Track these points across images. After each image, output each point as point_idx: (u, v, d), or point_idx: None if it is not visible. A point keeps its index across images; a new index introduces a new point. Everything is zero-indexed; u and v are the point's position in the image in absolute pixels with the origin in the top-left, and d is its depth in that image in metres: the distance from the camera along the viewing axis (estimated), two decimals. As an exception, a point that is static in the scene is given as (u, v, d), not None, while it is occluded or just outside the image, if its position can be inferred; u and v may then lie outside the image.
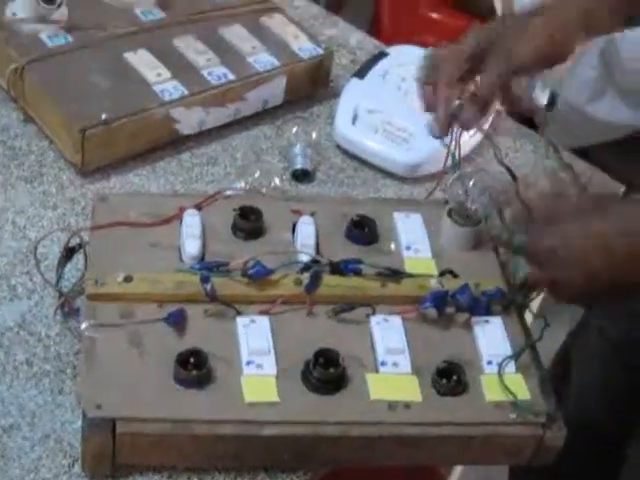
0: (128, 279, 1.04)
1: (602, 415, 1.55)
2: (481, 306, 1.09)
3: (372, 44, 1.62)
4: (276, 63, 1.40)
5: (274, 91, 1.40)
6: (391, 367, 1.03)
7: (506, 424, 1.01)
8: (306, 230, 1.14)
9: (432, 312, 1.07)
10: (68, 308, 1.09)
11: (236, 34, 1.43)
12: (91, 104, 1.25)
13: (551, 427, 1.01)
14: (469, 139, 1.37)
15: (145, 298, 1.04)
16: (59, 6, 1.35)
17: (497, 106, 1.45)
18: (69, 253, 1.11)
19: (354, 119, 1.39)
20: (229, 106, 1.35)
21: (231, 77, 1.35)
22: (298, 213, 1.16)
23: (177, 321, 1.02)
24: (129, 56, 1.34)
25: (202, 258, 1.09)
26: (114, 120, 1.24)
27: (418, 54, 1.45)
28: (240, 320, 1.04)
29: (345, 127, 1.39)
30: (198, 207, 1.14)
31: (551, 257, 1.00)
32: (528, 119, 1.64)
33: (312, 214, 1.16)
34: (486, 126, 1.39)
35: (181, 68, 1.34)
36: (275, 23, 1.47)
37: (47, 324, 1.09)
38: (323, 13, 1.67)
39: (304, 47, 1.44)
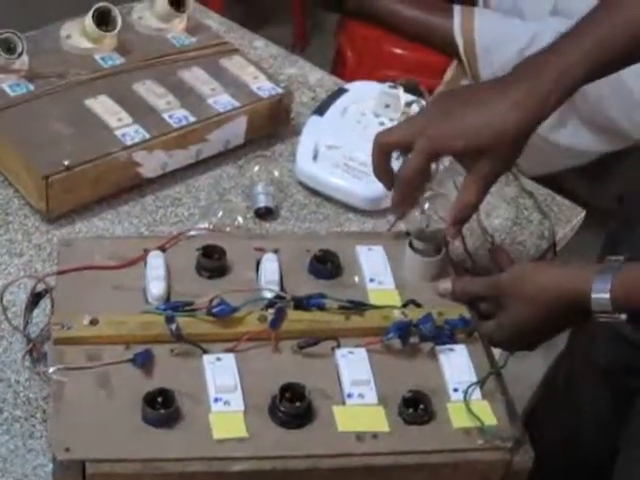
0: (94, 322, 1.05)
1: (591, 439, 1.55)
2: (445, 335, 1.10)
3: (332, 81, 1.64)
4: (236, 104, 1.42)
5: (235, 131, 1.42)
6: (357, 398, 1.04)
7: (474, 450, 1.02)
8: (270, 267, 1.15)
9: (396, 342, 1.08)
10: (37, 353, 1.10)
11: (195, 76, 1.45)
12: (54, 151, 1.27)
13: (518, 451, 1.02)
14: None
15: (111, 340, 1.05)
16: (19, 56, 1.36)
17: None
18: (36, 299, 1.12)
19: (315, 156, 1.41)
20: (191, 148, 1.37)
21: (192, 119, 1.37)
22: (261, 251, 1.18)
23: (144, 362, 1.03)
24: (90, 102, 1.36)
25: (167, 299, 1.10)
26: (77, 165, 1.26)
27: (376, 89, 1.49)
28: (206, 358, 1.05)
29: (306, 164, 1.41)
30: (162, 249, 1.15)
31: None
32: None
33: (275, 251, 1.18)
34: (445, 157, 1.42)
35: (142, 112, 1.36)
36: (234, 64, 1.49)
37: (16, 370, 1.10)
38: (282, 52, 1.70)
39: (263, 87, 1.46)
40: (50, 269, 1.20)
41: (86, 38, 1.45)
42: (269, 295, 1.11)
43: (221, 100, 1.42)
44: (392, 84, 1.48)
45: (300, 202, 1.39)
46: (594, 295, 1.00)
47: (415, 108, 1.46)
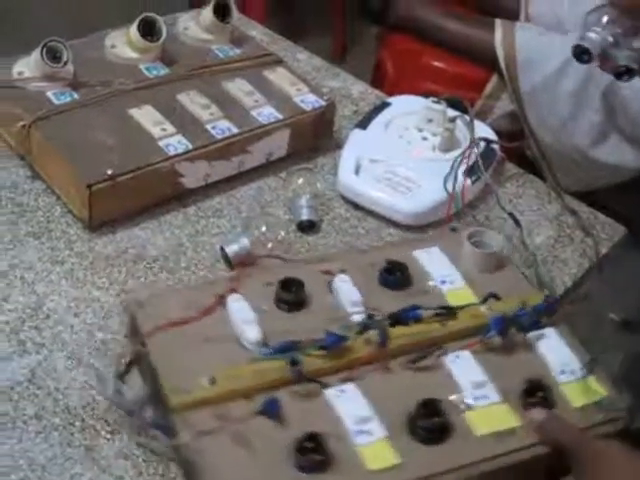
0: (212, 381, 1.03)
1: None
2: (534, 322, 1.14)
3: (374, 95, 1.64)
4: (279, 116, 1.41)
5: (278, 143, 1.41)
6: (482, 400, 1.06)
7: (598, 425, 1.06)
8: (346, 289, 1.15)
9: (496, 339, 1.11)
10: (141, 422, 1.05)
11: (239, 88, 1.45)
12: (97, 160, 1.27)
13: (634, 418, 1.07)
14: (471, 186, 1.39)
15: (232, 395, 1.03)
16: (65, 64, 1.37)
17: (498, 153, 1.47)
18: (127, 367, 1.10)
19: (357, 169, 1.40)
20: (233, 159, 1.37)
21: (235, 130, 1.37)
22: (329, 273, 1.18)
23: (274, 410, 1.02)
24: (134, 112, 1.36)
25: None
26: (120, 175, 1.26)
27: (420, 103, 1.49)
28: (329, 393, 1.04)
29: (348, 177, 1.40)
30: (233, 289, 1.14)
31: None
32: (530, 164, 1.66)
33: (342, 271, 1.18)
34: (487, 173, 1.41)
35: (185, 123, 1.36)
36: (278, 76, 1.49)
37: (56, 378, 1.10)
38: (325, 65, 1.70)
39: (307, 99, 1.46)
40: (91, 277, 1.21)
41: (131, 48, 1.46)
42: (360, 317, 1.11)
43: (264, 112, 1.42)
44: (436, 99, 1.48)
45: (342, 216, 1.39)
46: None
47: (458, 124, 1.45)
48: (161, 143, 1.32)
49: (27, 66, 1.38)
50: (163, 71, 1.46)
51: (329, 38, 3.42)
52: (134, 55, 1.46)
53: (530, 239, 1.38)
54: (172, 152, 1.31)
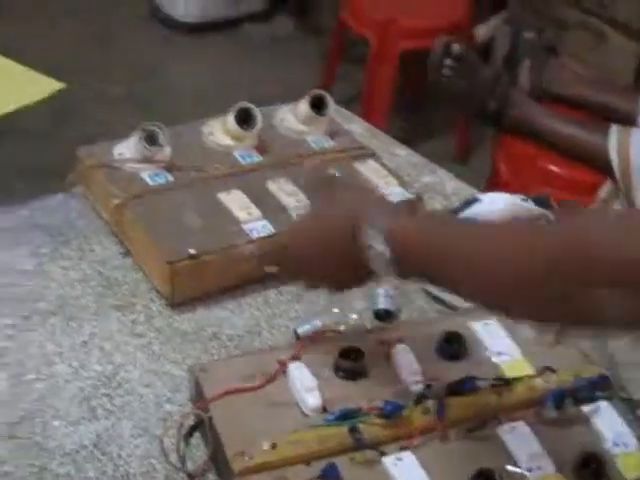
0: (274, 446, 1.06)
1: None
2: (588, 394, 1.16)
3: (468, 191, 1.66)
4: (365, 206, 1.44)
5: (362, 232, 1.44)
6: (536, 471, 1.08)
7: None
8: (405, 359, 1.18)
9: (552, 412, 1.13)
10: None
11: None
12: (181, 239, 1.33)
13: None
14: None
15: (293, 461, 1.06)
16: (161, 148, 1.43)
17: None
18: (191, 430, 1.14)
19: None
20: (317, 245, 1.40)
21: (319, 218, 1.40)
22: (388, 343, 1.21)
23: (332, 476, 1.04)
24: (223, 196, 1.42)
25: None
26: (202, 255, 1.31)
27: (507, 200, 1.50)
28: (386, 461, 1.07)
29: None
30: (295, 356, 1.18)
31: None
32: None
33: (401, 341, 1.20)
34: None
35: (272, 208, 1.41)
36: (368, 168, 1.53)
37: (120, 444, 1.14)
38: (422, 161, 1.72)
39: (394, 191, 1.49)
40: (167, 350, 1.25)
41: (227, 135, 1.52)
42: (418, 387, 1.14)
43: None
44: (524, 197, 1.49)
45: (422, 308, 1.40)
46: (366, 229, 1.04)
47: (543, 222, 1.45)
48: (246, 227, 1.37)
49: (127, 148, 1.45)
50: (257, 159, 1.51)
51: (454, 138, 3.46)
52: (230, 142, 1.52)
53: (609, 340, 1.36)
54: (255, 236, 1.35)
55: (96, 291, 1.35)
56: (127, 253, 1.41)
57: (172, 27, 4.06)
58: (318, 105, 1.57)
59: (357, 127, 1.77)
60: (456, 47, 2.40)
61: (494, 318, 1.27)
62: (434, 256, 1.02)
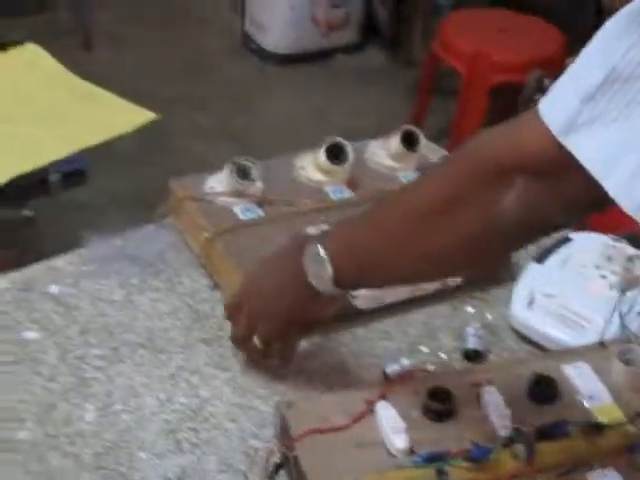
0: None
1: None
2: None
3: (560, 232, 1.63)
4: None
5: (453, 270, 1.43)
6: None
7: None
8: (495, 401, 1.16)
9: None
10: None
11: None
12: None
13: None
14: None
15: None
16: (253, 182, 1.44)
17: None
18: (277, 468, 1.14)
19: (530, 303, 1.40)
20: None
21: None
22: (477, 385, 1.19)
23: None
24: (311, 230, 1.40)
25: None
26: (290, 290, 1.30)
27: (600, 241, 1.48)
28: None
29: (521, 310, 1.40)
30: (382, 396, 1.16)
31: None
32: None
33: (490, 382, 1.19)
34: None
35: None
36: None
37: (204, 479, 1.13)
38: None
39: None
40: (252, 385, 1.25)
41: (318, 170, 1.52)
42: (507, 430, 1.12)
43: None
44: (616, 237, 1.46)
45: (511, 348, 1.38)
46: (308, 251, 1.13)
47: (637, 263, 1.43)
48: None
49: (219, 181, 1.46)
50: (348, 194, 1.51)
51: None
52: (321, 178, 1.52)
53: None
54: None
55: (184, 324, 1.35)
56: (215, 286, 1.41)
57: (264, 58, 4.10)
58: (409, 140, 1.56)
59: (448, 162, 1.75)
60: (548, 82, 2.39)
61: (585, 361, 1.24)
62: (357, 259, 1.12)
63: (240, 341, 1.26)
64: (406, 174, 1.57)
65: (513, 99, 3.36)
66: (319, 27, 4.11)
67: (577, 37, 3.61)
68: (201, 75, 3.92)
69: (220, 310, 1.37)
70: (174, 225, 1.50)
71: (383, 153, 1.58)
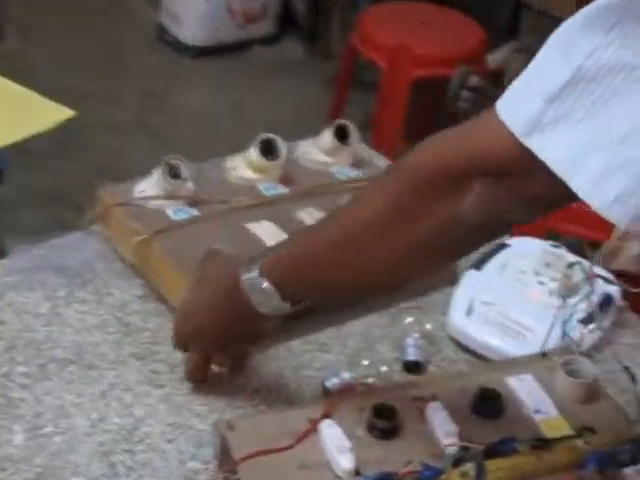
0: None
1: None
2: (631, 456, 1.10)
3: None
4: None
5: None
6: None
7: None
8: (440, 417, 1.13)
9: (594, 474, 1.07)
10: None
11: None
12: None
13: None
14: (588, 334, 1.34)
15: None
16: (185, 181, 1.39)
17: (620, 300, 1.42)
18: None
19: (469, 311, 1.38)
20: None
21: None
22: (421, 399, 1.15)
23: None
24: (252, 226, 1.39)
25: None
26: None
27: (538, 246, 1.46)
28: None
29: (459, 319, 1.37)
30: (326, 414, 1.12)
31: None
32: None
33: (434, 397, 1.16)
34: (606, 321, 1.37)
35: None
36: None
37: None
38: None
39: None
40: (191, 403, 1.20)
41: (251, 169, 1.48)
42: (455, 448, 1.08)
43: None
44: (555, 243, 1.45)
45: (450, 358, 1.35)
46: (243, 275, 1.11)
47: (577, 270, 1.41)
48: None
49: (148, 185, 1.41)
50: (282, 191, 1.48)
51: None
52: (254, 176, 1.48)
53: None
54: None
55: (114, 338, 1.30)
56: (148, 295, 1.36)
57: (180, 51, 4.03)
58: (341, 134, 1.54)
59: (381, 163, 1.72)
60: (473, 79, 2.39)
61: (529, 373, 1.22)
62: (303, 273, 1.10)
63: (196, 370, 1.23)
64: (340, 168, 1.55)
65: (435, 93, 3.37)
66: (235, 19, 4.05)
67: (495, 32, 3.62)
68: (116, 68, 3.83)
69: (152, 322, 1.32)
70: (102, 233, 1.44)
71: (315, 150, 1.56)
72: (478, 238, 1.05)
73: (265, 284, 1.09)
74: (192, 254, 1.29)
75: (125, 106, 3.60)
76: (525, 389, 1.20)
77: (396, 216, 1.02)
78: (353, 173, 1.55)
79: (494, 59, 3.47)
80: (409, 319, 1.38)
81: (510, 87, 0.95)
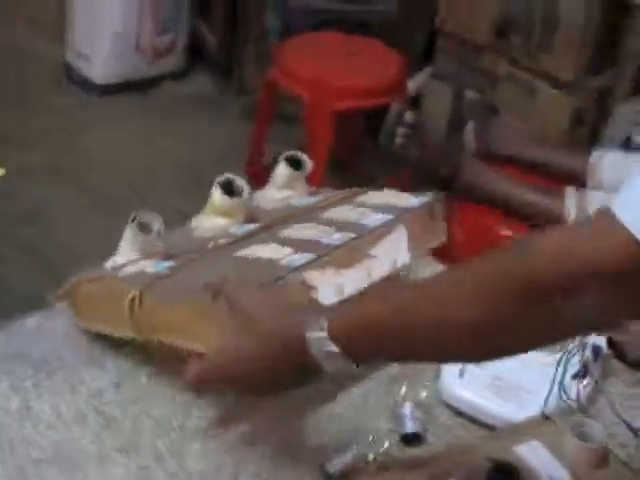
0: None
1: None
2: None
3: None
4: (389, 217, 1.44)
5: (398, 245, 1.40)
6: None
7: None
8: None
9: None
10: None
11: (340, 211, 1.48)
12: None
13: None
14: (582, 388, 1.32)
15: None
16: (160, 234, 1.35)
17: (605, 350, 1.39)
18: None
19: (461, 373, 1.32)
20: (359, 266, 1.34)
21: (352, 235, 1.38)
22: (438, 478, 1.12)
23: None
24: (242, 252, 1.36)
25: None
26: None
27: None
28: None
29: (453, 383, 1.32)
30: None
31: None
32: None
33: (449, 474, 1.12)
34: (596, 372, 1.34)
35: (302, 245, 1.36)
36: (371, 197, 1.54)
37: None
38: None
39: (411, 201, 1.49)
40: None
41: (216, 214, 1.45)
42: None
43: (375, 217, 1.44)
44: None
45: (445, 424, 1.30)
46: (309, 333, 1.06)
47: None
48: (283, 262, 1.31)
49: (119, 255, 1.35)
50: (253, 227, 1.45)
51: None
52: (221, 222, 1.45)
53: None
54: (296, 264, 1.30)
55: (94, 431, 1.20)
56: (119, 385, 1.27)
57: (87, 89, 3.91)
58: (294, 166, 1.54)
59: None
60: (408, 115, 2.35)
61: (536, 439, 1.18)
62: (383, 335, 1.04)
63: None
64: (300, 199, 1.54)
65: (358, 123, 3.32)
66: (144, 55, 3.94)
67: (412, 57, 3.59)
68: (21, 110, 3.69)
69: (130, 412, 1.23)
70: (68, 312, 1.34)
71: (272, 188, 1.55)
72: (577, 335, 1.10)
73: (332, 347, 1.05)
74: (189, 295, 1.22)
75: (33, 149, 3.47)
76: (535, 456, 1.17)
77: (491, 329, 0.98)
78: (314, 199, 1.53)
79: (412, 86, 3.44)
80: (403, 389, 1.32)
81: (626, 188, 0.94)
